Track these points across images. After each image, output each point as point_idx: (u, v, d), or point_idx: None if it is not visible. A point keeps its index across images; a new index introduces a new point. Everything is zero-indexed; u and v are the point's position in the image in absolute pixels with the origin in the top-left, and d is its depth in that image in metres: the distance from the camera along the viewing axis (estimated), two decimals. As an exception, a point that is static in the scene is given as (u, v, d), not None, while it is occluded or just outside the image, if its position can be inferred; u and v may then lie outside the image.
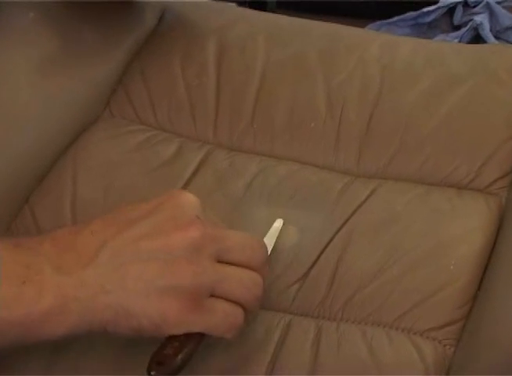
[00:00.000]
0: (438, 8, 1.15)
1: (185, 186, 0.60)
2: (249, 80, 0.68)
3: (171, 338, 0.44)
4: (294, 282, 0.55)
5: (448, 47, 0.76)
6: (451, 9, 1.16)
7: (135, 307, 0.42)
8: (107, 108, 0.69)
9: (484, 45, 0.94)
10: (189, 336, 0.44)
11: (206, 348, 0.48)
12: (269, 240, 0.54)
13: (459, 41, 1.13)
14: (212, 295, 0.44)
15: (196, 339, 0.44)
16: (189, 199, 0.46)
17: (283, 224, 0.56)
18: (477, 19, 1.12)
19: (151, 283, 0.42)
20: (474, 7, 1.14)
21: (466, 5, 1.16)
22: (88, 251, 0.42)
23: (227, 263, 0.45)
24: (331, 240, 0.57)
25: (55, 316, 0.41)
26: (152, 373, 0.42)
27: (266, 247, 0.49)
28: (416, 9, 1.14)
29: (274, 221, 0.57)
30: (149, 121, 0.68)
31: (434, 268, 0.55)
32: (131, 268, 0.42)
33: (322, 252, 0.56)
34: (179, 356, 0.43)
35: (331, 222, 0.58)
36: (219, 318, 0.44)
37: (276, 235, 0.55)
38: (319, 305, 0.54)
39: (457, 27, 1.16)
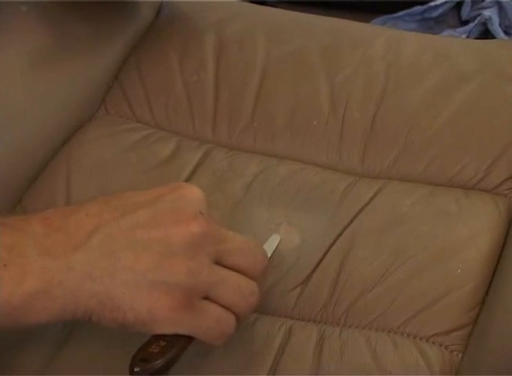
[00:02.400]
0: (446, 2, 1.14)
1: (183, 187, 0.59)
2: (249, 76, 0.68)
3: (158, 337, 0.42)
4: (296, 286, 0.54)
5: (455, 42, 0.75)
6: (459, 4, 1.15)
7: (121, 299, 0.40)
8: (102, 105, 0.69)
9: (493, 40, 0.93)
10: (176, 337, 0.42)
11: (204, 354, 0.48)
12: (268, 248, 0.52)
13: (467, 37, 1.12)
14: (206, 298, 0.42)
15: (184, 342, 0.42)
16: (194, 192, 0.44)
17: (284, 225, 0.56)
18: (486, 13, 1.10)
19: (142, 275, 0.40)
20: (483, 1, 1.13)
21: (474, -2, 1.15)
22: (79, 234, 0.40)
23: (225, 267, 0.43)
24: (334, 242, 0.56)
25: (37, 302, 0.39)
26: (135, 369, 0.41)
27: (267, 256, 0.47)
28: (422, 3, 1.13)
29: (275, 223, 0.56)
30: (145, 119, 0.68)
31: (440, 272, 0.54)
32: (123, 256, 0.40)
33: (324, 255, 0.55)
34: (166, 356, 0.41)
35: (334, 224, 0.57)
36: (211, 323, 0.42)
37: (275, 245, 0.54)
38: (322, 310, 0.53)
39: (465, 22, 1.15)
